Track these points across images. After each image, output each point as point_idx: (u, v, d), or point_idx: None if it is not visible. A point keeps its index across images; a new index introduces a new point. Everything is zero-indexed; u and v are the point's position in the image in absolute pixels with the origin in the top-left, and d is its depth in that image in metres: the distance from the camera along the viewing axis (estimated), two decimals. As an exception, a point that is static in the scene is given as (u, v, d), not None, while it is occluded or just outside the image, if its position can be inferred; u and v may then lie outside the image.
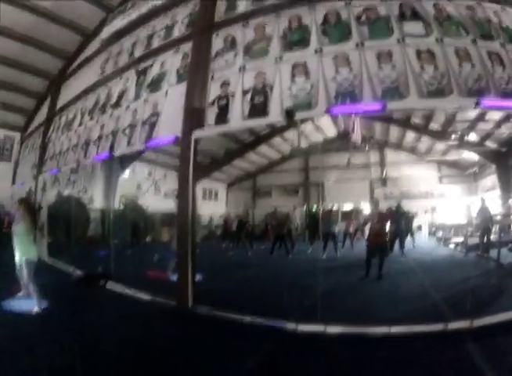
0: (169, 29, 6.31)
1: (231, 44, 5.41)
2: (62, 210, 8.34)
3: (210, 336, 3.82)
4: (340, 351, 3.45)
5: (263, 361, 3.23)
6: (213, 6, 5.87)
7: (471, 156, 11.81)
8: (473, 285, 5.51)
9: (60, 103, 8.69)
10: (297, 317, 4.11)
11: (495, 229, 8.58)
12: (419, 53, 4.93)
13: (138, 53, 6.57)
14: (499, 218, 9.24)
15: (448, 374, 2.92)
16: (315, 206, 14.79)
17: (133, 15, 7.23)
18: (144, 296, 5.29)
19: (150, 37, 6.53)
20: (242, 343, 3.61)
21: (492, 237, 8.31)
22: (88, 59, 8.07)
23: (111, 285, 5.91)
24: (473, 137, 10.51)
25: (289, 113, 4.57)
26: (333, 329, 3.89)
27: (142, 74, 6.24)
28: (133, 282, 5.73)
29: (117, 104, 6.46)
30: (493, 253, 7.56)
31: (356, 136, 9.59)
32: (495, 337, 3.56)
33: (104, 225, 7.00)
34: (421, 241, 12.74)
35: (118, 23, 7.45)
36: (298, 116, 4.62)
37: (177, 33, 6.12)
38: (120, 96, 6.46)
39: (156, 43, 6.37)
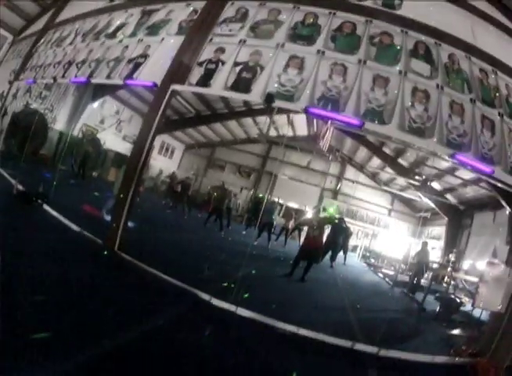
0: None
1: (242, 16, 5.29)
2: (24, 121, 7.91)
3: (127, 283, 3.80)
4: (243, 335, 3.48)
5: (169, 322, 3.18)
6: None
7: (427, 201, 12.19)
8: (390, 317, 5.68)
9: (61, 17, 8.28)
10: (212, 291, 4.13)
11: (427, 274, 8.84)
12: (415, 90, 5.01)
13: (150, -5, 6.33)
14: (435, 266, 9.54)
15: None
16: (261, 193, 14.84)
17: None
18: (74, 227, 5.22)
19: (168, -16, 6.32)
20: (154, 299, 3.61)
21: (422, 282, 8.55)
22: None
23: (47, 208, 5.79)
24: (436, 185, 10.85)
25: (269, 98, 4.50)
26: (244, 313, 3.92)
27: (146, 14, 6.01)
28: (67, 211, 5.66)
29: (112, 35, 6.19)
30: (418, 296, 7.77)
31: (324, 143, 9.68)
32: (396, 370, 3.73)
33: (58, 147, 6.70)
34: (353, 261, 13.01)
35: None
36: (277, 103, 4.54)
37: (195, -12, 5.94)
38: (118, 29, 6.20)
39: (171, -9, 6.16)
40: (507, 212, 7.04)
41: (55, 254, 3.94)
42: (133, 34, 5.89)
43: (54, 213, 5.66)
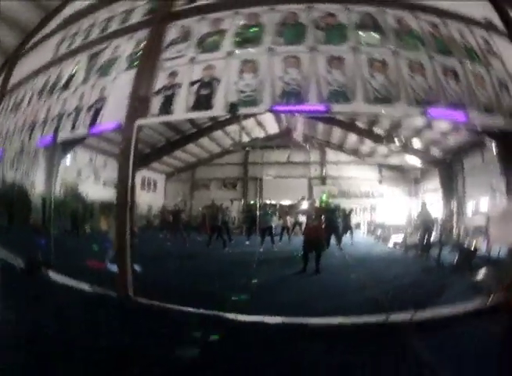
0: (128, 14, 6.08)
1: (185, 35, 5.30)
2: (4, 195, 7.87)
3: (153, 326, 3.75)
4: (279, 341, 3.43)
5: (205, 351, 3.18)
6: (173, -4, 5.77)
7: (414, 161, 12.21)
8: (412, 281, 5.67)
9: (13, 81, 8.22)
10: (234, 308, 4.13)
11: (435, 230, 8.83)
12: (371, 62, 5.04)
13: (93, 36, 6.32)
14: (440, 220, 9.55)
15: (390, 364, 2.92)
16: (252, 200, 14.85)
17: (95, -3, 6.99)
18: (85, 286, 5.14)
19: (108, 21, 6.29)
20: (184, 333, 3.58)
21: (433, 238, 8.54)
22: (45, 38, 7.67)
23: (52, 274, 5.71)
24: (417, 144, 10.86)
25: (232, 108, 4.52)
26: (272, 320, 3.92)
27: (93, 57, 5.99)
28: (73, 271, 5.56)
29: (66, 87, 6.15)
30: (433, 253, 7.77)
31: (298, 135, 9.69)
32: (435, 330, 3.66)
33: (45, 212, 6.67)
34: (360, 239, 13.01)
35: (79, 3, 7.16)
36: (242, 111, 4.58)
37: (134, 19, 5.93)
38: (70, 79, 6.17)
39: (113, 27, 6.15)
40: (493, 148, 7.11)
41: (75, 316, 3.90)
42: (85, 80, 5.87)
43: (60, 277, 5.59)
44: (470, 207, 9.33)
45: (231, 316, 4.04)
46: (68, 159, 6.76)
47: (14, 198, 7.61)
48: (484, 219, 7.30)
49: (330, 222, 8.08)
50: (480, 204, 9.13)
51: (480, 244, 7.13)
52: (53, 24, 7.65)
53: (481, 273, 6.02)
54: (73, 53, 6.44)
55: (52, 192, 6.31)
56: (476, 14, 6.04)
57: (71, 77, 6.17)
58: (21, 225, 7.86)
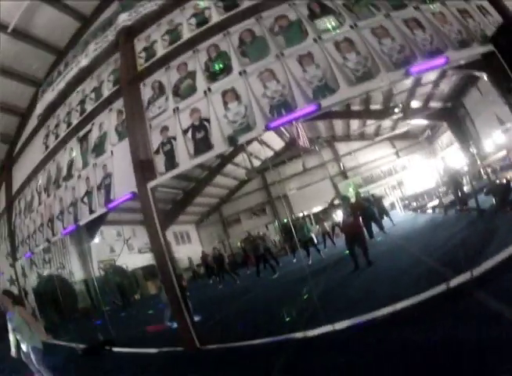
0: (98, 89, 6.31)
1: (159, 89, 5.46)
2: (47, 290, 8.12)
3: (229, 371, 3.75)
4: (354, 343, 3.44)
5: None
6: (133, 58, 5.97)
7: (419, 122, 12.14)
8: (462, 238, 5.60)
9: (15, 187, 8.51)
10: (303, 326, 4.11)
11: (465, 180, 8.76)
12: (337, 45, 5.08)
13: (74, 121, 6.53)
14: (466, 168, 9.46)
15: (467, 325, 2.89)
16: (285, 218, 14.87)
17: (61, 83, 7.22)
18: (152, 351, 5.19)
19: (83, 102, 6.51)
20: (262, 365, 3.55)
21: (465, 189, 8.47)
22: (29, 139, 7.96)
23: (117, 350, 5.79)
24: (415, 104, 10.83)
25: (231, 140, 4.63)
26: (342, 325, 3.90)
27: (83, 140, 6.20)
28: (137, 341, 5.68)
29: (69, 176, 6.37)
30: (471, 203, 7.68)
31: (303, 141, 9.76)
32: (498, 278, 3.58)
33: (91, 294, 6.85)
34: (398, 217, 12.84)
35: (49, 95, 7.42)
36: (241, 140, 4.66)
37: (106, 92, 6.13)
38: (70, 167, 6.38)
39: (89, 107, 6.35)
40: (485, 78, 7.05)
41: None
42: (85, 164, 6.06)
43: (126, 350, 5.65)
44: (488, 145, 9.25)
45: (300, 334, 4.02)
46: (96, 239, 6.94)
47: (56, 292, 7.83)
48: (505, 151, 7.20)
49: (365, 212, 8.05)
50: (495, 138, 9.04)
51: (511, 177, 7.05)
52: (32, 124, 7.91)
53: None
54: (62, 144, 6.65)
55: (92, 273, 6.46)
56: None
57: (70, 165, 6.38)
58: (71, 315, 8.05)
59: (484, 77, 7.00)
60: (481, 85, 8.37)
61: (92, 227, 6.35)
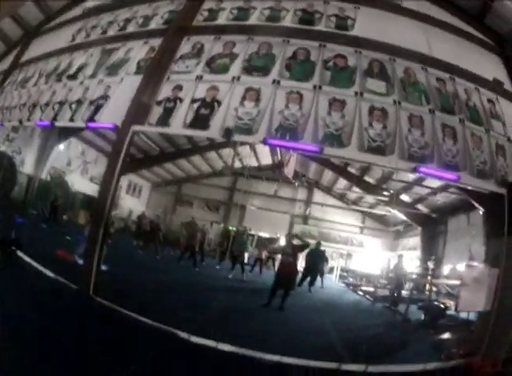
0: (147, 19, 6.23)
1: (198, 51, 5.40)
2: (-6, 164, 7.87)
3: (103, 327, 3.73)
4: (227, 370, 3.45)
5: (148, 365, 3.13)
6: (196, 11, 5.89)
7: (398, 214, 12.28)
8: (375, 332, 5.64)
9: (26, 58, 8.29)
10: (191, 329, 4.07)
11: (408, 286, 8.85)
12: (372, 109, 5.09)
13: (110, 33, 6.41)
14: (414, 277, 9.55)
15: None
16: (231, 226, 14.84)
17: (122, -7, 7.09)
18: (49, 273, 5.12)
19: (127, 22, 6.41)
20: (132, 342, 3.55)
21: (403, 293, 8.54)
22: (65, 23, 7.78)
23: (21, 254, 5.63)
24: (405, 198, 10.96)
25: (227, 133, 4.59)
26: (225, 347, 3.89)
27: (106, 53, 6.08)
28: (40, 257, 5.55)
29: (74, 76, 6.23)
30: (401, 309, 7.76)
31: (289, 170, 9.80)
32: None
33: (28, 191, 6.66)
34: (331, 283, 12.90)
35: (105, -4, 7.28)
36: (236, 138, 4.64)
37: (153, 25, 6.05)
38: (79, 69, 6.25)
39: (130, 29, 6.26)
40: (480, 213, 7.13)
41: (32, 300, 3.94)
42: (94, 75, 5.94)
43: (27, 259, 5.55)
44: (447, 268, 9.41)
45: (184, 335, 4.03)
46: (62, 146, 6.76)
47: (2, 170, 7.58)
48: (458, 282, 7.31)
49: (311, 262, 8.00)
50: (457, 267, 9.19)
51: (450, 305, 7.18)
52: (76, 12, 7.76)
53: (446, 334, 6.08)
54: (87, 45, 6.53)
55: (39, 174, 6.28)
56: (485, 72, 6.12)
57: (81, 68, 6.25)
58: (2, 199, 7.85)
59: (481, 212, 7.12)
60: (473, 215, 8.53)
61: (64, 133, 6.20)
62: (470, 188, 5.53)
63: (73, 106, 5.81)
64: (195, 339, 3.99)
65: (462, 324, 6.40)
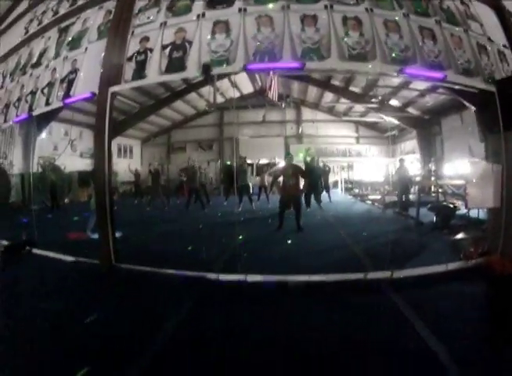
0: (96, -15, 5.95)
1: (155, 0, 5.19)
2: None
3: (136, 292, 3.75)
4: (262, 299, 3.49)
5: (191, 313, 3.18)
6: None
7: (391, 119, 12.17)
8: (392, 239, 5.69)
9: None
10: (217, 269, 4.15)
11: (413, 189, 8.84)
12: (345, 19, 4.99)
13: (62, 11, 6.15)
14: (418, 179, 9.55)
15: (371, 318, 2.96)
16: (228, 160, 14.71)
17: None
18: (68, 258, 5.13)
19: (76, -5, 6.14)
20: (168, 296, 3.60)
21: (411, 197, 8.53)
22: (14, 21, 7.47)
23: (37, 251, 5.66)
24: (394, 102, 10.83)
25: (205, 68, 4.46)
26: (254, 278, 3.94)
27: (63, 31, 5.84)
28: (57, 246, 5.58)
29: (38, 63, 6.00)
30: (412, 213, 7.78)
31: (273, 94, 9.67)
32: (415, 288, 3.70)
33: (24, 190, 6.54)
34: (338, 197, 12.89)
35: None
36: (215, 71, 4.52)
37: (103, -12, 5.79)
38: (41, 55, 6.01)
39: (81, 0, 5.99)
40: (473, 111, 7.09)
41: (63, 289, 3.95)
42: (57, 55, 5.73)
43: (45, 254, 5.52)
44: (449, 168, 9.40)
45: (213, 276, 4.07)
46: (44, 134, 6.60)
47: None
48: (463, 181, 7.33)
49: (310, 180, 7.98)
50: (458, 165, 9.19)
51: (459, 205, 7.21)
52: (20, 9, 7.44)
53: (461, 234, 6.14)
54: (42, 31, 6.27)
55: (31, 167, 6.16)
56: None
57: (42, 53, 6.02)
58: (1, 207, 7.72)
59: (473, 110, 7.07)
60: (465, 114, 8.45)
61: (43, 121, 6.04)
62: (458, 87, 5.49)
63: (45, 90, 5.63)
64: (224, 277, 4.03)
65: (474, 223, 6.48)
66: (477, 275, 4.07)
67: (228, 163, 13.56)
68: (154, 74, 4.64)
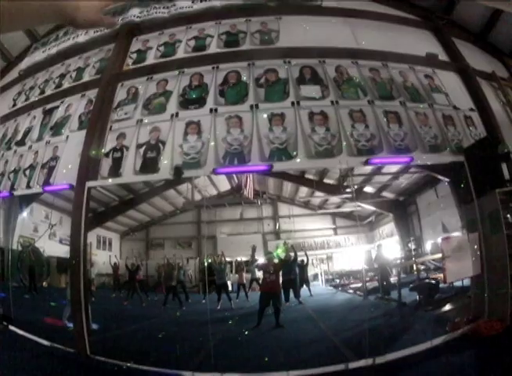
0: (80, 71, 6.32)
1: (133, 96, 5.53)
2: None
3: None
4: None
5: None
6: (124, 56, 6.03)
7: (367, 207, 12.53)
8: (373, 325, 5.64)
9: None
10: (193, 367, 4.14)
11: (394, 272, 9.05)
12: (311, 115, 5.24)
13: (48, 91, 6.48)
14: (398, 262, 9.78)
15: None
16: (206, 258, 14.89)
17: (53, 49, 7.16)
18: (44, 342, 5.12)
19: (62, 77, 6.49)
20: None
21: (391, 280, 8.72)
22: (3, 89, 7.79)
23: (13, 328, 5.63)
24: (369, 189, 11.19)
25: (177, 172, 4.71)
26: None
27: (48, 114, 6.14)
28: (33, 327, 5.53)
29: (22, 142, 6.25)
30: (394, 295, 7.91)
31: (249, 191, 9.97)
32: (399, 371, 3.74)
33: (3, 265, 6.66)
34: (318, 289, 12.99)
35: (38, 55, 7.32)
36: (186, 174, 4.76)
37: (86, 77, 6.15)
38: (26, 134, 6.28)
39: (66, 84, 6.33)
40: (446, 184, 7.29)
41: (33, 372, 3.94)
42: (40, 138, 5.99)
43: (21, 332, 5.53)
44: (429, 244, 9.63)
45: (188, 374, 4.09)
46: (25, 213, 6.81)
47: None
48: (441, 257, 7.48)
49: (286, 275, 8.09)
50: (438, 240, 9.36)
51: (441, 279, 7.34)
52: (12, 75, 7.77)
53: (446, 306, 6.15)
54: (28, 108, 6.56)
55: (10, 243, 6.32)
56: (420, 49, 6.31)
57: (27, 132, 6.29)
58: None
59: (446, 183, 7.27)
60: (440, 188, 8.73)
61: (24, 200, 6.26)
62: (424, 166, 5.73)
63: (27, 172, 5.86)
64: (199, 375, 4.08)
65: (459, 293, 6.56)
66: (464, 342, 4.12)
67: (209, 261, 13.73)
68: (129, 174, 4.89)
